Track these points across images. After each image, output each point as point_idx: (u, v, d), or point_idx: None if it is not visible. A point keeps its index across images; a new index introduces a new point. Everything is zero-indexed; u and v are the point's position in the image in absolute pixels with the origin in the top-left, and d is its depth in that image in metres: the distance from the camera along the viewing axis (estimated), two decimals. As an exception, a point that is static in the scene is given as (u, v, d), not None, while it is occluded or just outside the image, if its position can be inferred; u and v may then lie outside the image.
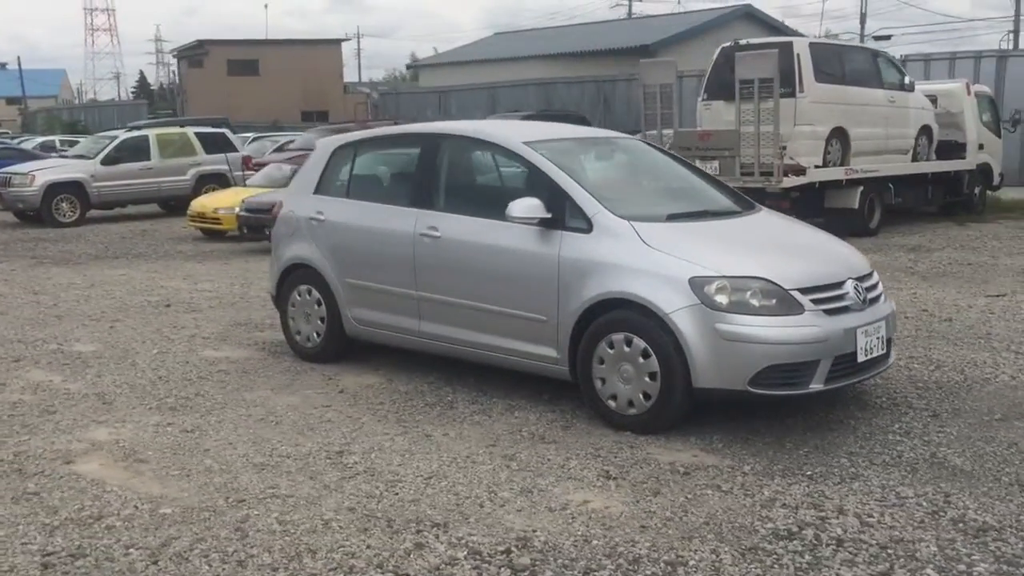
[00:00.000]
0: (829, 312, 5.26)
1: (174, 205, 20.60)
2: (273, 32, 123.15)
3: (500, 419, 5.71)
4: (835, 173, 13.63)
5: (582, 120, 26.80)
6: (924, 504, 4.38)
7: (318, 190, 7.15)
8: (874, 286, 5.70)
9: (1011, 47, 38.63)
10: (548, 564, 3.82)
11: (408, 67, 65.15)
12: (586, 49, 34.43)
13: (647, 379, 5.30)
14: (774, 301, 5.15)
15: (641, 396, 5.34)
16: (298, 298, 7.18)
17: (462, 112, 30.41)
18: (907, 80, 15.26)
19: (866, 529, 4.12)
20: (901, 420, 5.59)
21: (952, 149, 16.43)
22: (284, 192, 7.59)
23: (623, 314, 5.39)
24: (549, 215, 5.68)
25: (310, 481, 4.75)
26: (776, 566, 3.79)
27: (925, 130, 15.62)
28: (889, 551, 3.91)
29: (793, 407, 5.64)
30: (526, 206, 5.68)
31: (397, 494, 4.57)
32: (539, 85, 30.37)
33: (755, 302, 5.14)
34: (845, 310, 5.33)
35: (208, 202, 16.01)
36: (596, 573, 3.74)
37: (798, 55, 13.20)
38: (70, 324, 8.71)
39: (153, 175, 19.59)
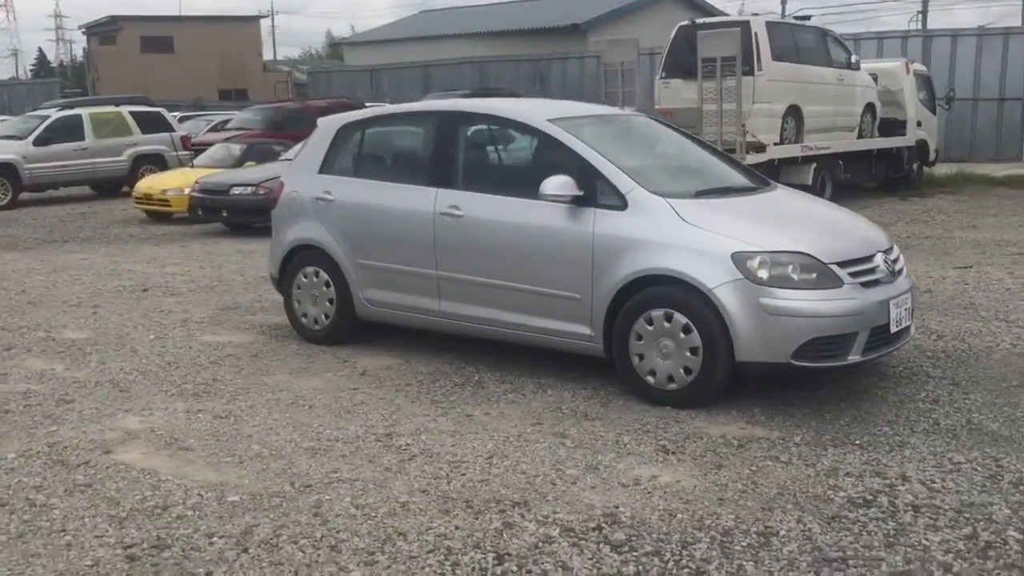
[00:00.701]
0: (865, 285, 5.38)
1: (106, 187, 20.01)
2: (185, 9, 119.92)
3: (535, 398, 5.71)
4: (793, 150, 13.92)
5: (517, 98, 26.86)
6: (979, 469, 4.53)
7: (323, 169, 7.01)
8: (897, 259, 5.84)
9: (920, 27, 39.70)
10: (644, 539, 3.85)
11: (332, 45, 64.14)
12: (516, 28, 34.38)
13: (688, 354, 5.35)
14: (814, 275, 5.24)
15: (682, 371, 5.39)
16: (304, 280, 7.05)
17: (395, 91, 30.08)
18: (854, 59, 15.63)
19: (935, 495, 4.24)
20: (925, 388, 5.76)
21: (893, 126, 16.91)
22: (284, 172, 7.41)
23: (663, 290, 5.42)
24: (581, 193, 5.68)
25: (370, 464, 4.69)
26: (864, 533, 3.88)
27: (869, 108, 16.05)
28: (965, 515, 4.03)
29: (818, 378, 5.76)
30: (559, 183, 5.66)
31: (464, 474, 4.54)
32: (474, 64, 30.23)
33: (796, 276, 5.22)
34: (877, 283, 5.46)
35: (155, 183, 15.58)
36: (694, 546, 3.78)
37: (755, 34, 13.39)
38: (48, 311, 8.40)
39: (88, 156, 18.99)
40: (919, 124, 17.38)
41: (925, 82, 18.03)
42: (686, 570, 3.59)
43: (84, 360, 6.72)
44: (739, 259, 5.23)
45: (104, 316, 8.14)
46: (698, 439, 4.97)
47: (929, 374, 6.07)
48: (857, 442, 4.90)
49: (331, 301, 6.92)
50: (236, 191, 13.52)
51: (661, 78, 14.38)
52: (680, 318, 5.36)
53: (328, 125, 7.18)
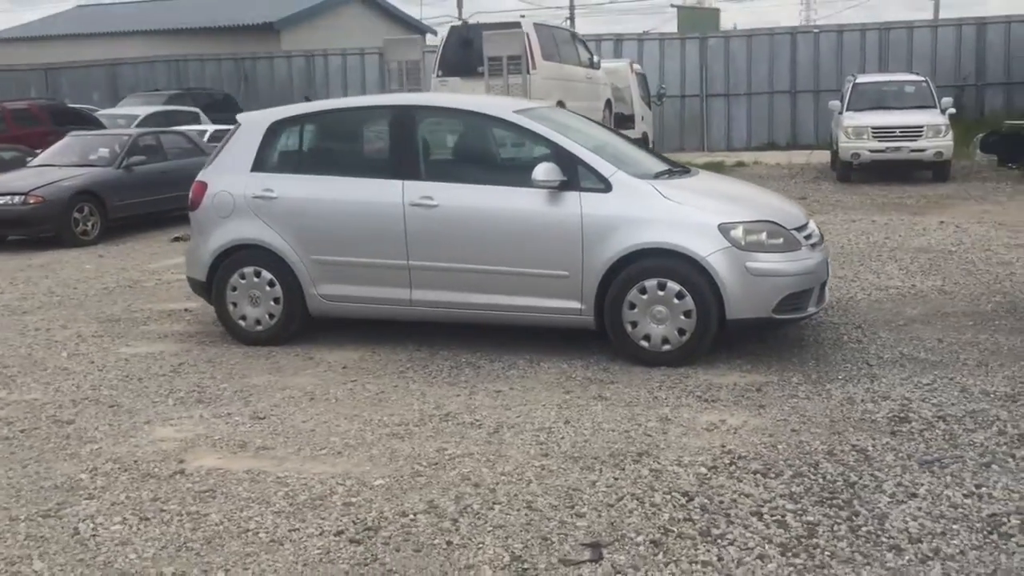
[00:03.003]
0: (812, 247, 6.33)
1: None
2: None
3: (538, 371, 6.11)
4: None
5: (227, 99, 26.10)
6: (947, 386, 5.59)
7: (257, 167, 6.89)
8: (810, 225, 6.89)
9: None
10: (777, 467, 4.46)
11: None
12: (205, 25, 33.08)
13: (683, 317, 6.02)
14: (781, 240, 6.11)
15: (677, 333, 6.05)
16: (241, 281, 6.89)
17: (76, 93, 27.96)
18: (595, 59, 17.06)
19: (941, 408, 5.22)
20: (841, 332, 6.85)
21: (622, 120, 18.60)
22: (203, 173, 7.13)
23: (656, 262, 6.05)
24: (565, 178, 6.15)
25: (466, 441, 4.91)
26: (926, 441, 4.75)
27: (608, 104, 17.57)
28: (978, 419, 5.03)
29: (759, 334, 6.60)
30: (547, 170, 6.10)
31: (563, 438, 4.90)
32: (169, 62, 28.81)
33: (768, 242, 6.06)
34: (815, 245, 6.44)
35: None
36: (821, 466, 4.45)
37: (528, 35, 14.28)
38: None
39: None
40: (642, 118, 19.26)
41: (642, 80, 19.98)
42: (838, 483, 4.25)
43: (19, 384, 6.16)
44: (724, 229, 5.98)
45: (-24, 339, 7.36)
46: (719, 388, 5.66)
47: (832, 321, 7.18)
48: (841, 377, 5.83)
49: (276, 300, 6.83)
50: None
51: (438, 76, 14.88)
52: (674, 286, 6.01)
53: (253, 123, 7.05)
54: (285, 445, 4.91)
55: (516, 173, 6.47)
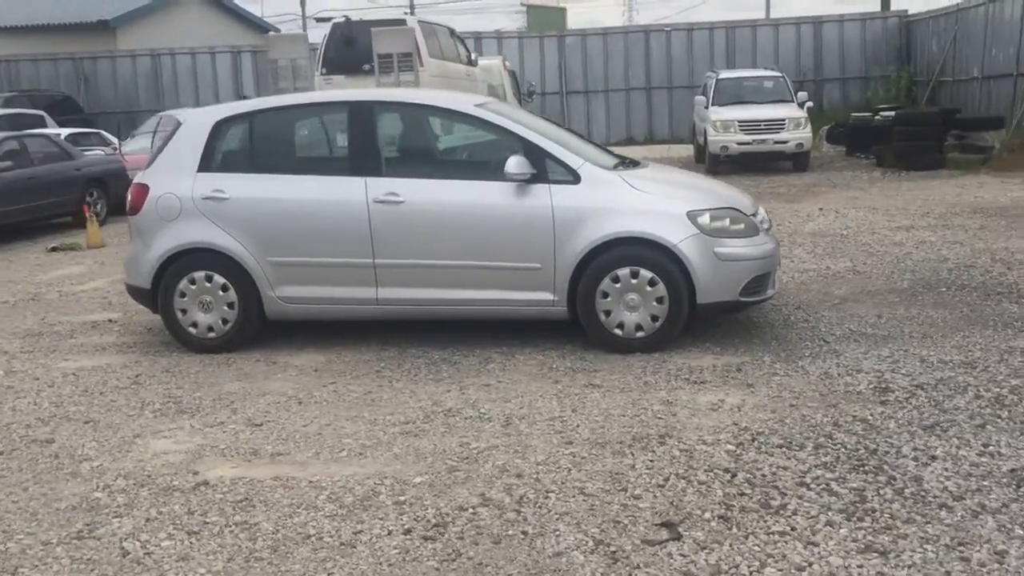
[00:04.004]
0: (766, 232, 6.62)
1: None
2: None
3: (517, 363, 6.14)
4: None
5: (68, 100, 24.80)
6: (907, 358, 5.96)
7: (204, 168, 6.63)
8: (756, 213, 7.19)
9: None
10: (796, 440, 4.66)
11: None
12: (33, 23, 31.22)
13: (655, 304, 6.19)
14: (743, 226, 6.36)
15: (650, 319, 6.21)
16: (191, 287, 6.61)
17: None
18: (473, 56, 17.14)
19: (912, 377, 5.56)
20: (785, 313, 7.19)
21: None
22: (142, 174, 6.78)
23: (628, 250, 6.18)
24: (535, 171, 6.21)
25: (483, 434, 4.90)
26: (915, 408, 5.06)
27: (484, 100, 17.67)
28: (950, 385, 5.39)
29: (714, 317, 6.84)
30: (518, 163, 6.15)
31: (579, 426, 4.97)
32: (-1, 63, 27.08)
33: (733, 227, 6.30)
34: (767, 231, 6.73)
35: None
36: (835, 436, 4.68)
37: (414, 32, 14.22)
38: None
39: None
40: (513, 114, 19.47)
41: (513, 77, 20.18)
42: (860, 451, 4.49)
43: (-32, 403, 5.72)
44: (692, 216, 6.18)
45: None
46: (701, 370, 5.85)
47: (773, 303, 7.49)
48: (808, 354, 6.12)
49: (230, 305, 6.59)
50: None
51: (322, 74, 14.60)
52: (646, 273, 6.16)
53: (197, 122, 6.78)
54: (299, 450, 4.77)
55: (481, 167, 6.49)
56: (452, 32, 16.73)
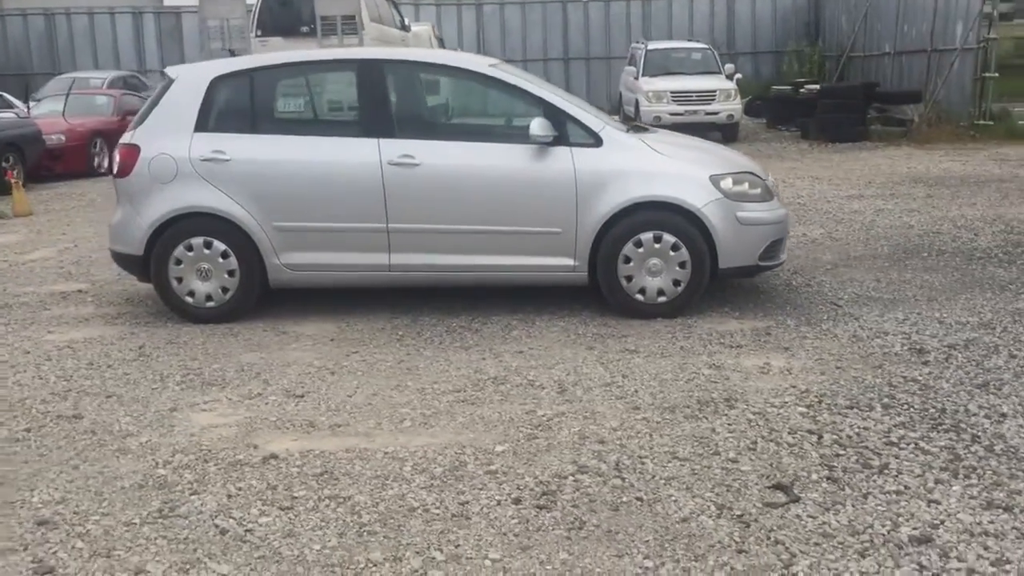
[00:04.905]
0: (778, 198, 6.63)
1: None
2: None
3: (543, 331, 6.01)
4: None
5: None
6: (927, 320, 6.07)
7: (201, 127, 6.25)
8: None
9: None
10: (864, 401, 4.68)
11: None
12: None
13: (678, 268, 6.13)
14: (759, 190, 6.36)
15: (672, 284, 6.15)
16: (188, 254, 6.25)
17: None
18: (406, 22, 16.78)
19: (941, 338, 5.66)
20: (783, 277, 7.24)
21: (425, 85, 18.46)
22: (133, 134, 6.34)
23: (651, 214, 6.10)
24: (557, 133, 6.07)
25: (544, 401, 4.78)
26: (951, 367, 5.15)
27: (416, 67, 17.37)
28: (980, 346, 5.50)
29: (720, 283, 6.83)
30: (541, 125, 5.99)
31: (637, 392, 4.88)
32: None
33: (751, 192, 6.29)
34: (776, 197, 6.75)
35: None
36: (895, 396, 4.72)
37: (356, -5, 13.83)
38: None
39: None
40: (442, 83, 19.20)
41: (441, 44, 19.86)
42: (929, 410, 4.52)
43: (-36, 379, 5.29)
44: (715, 180, 6.14)
45: None
46: (731, 335, 5.84)
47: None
48: (826, 318, 6.17)
49: (231, 273, 6.26)
50: None
51: (257, 36, 14.05)
52: (669, 238, 6.10)
53: (192, 78, 6.38)
54: (356, 421, 4.55)
55: (499, 129, 6.30)
56: (387, -2, 16.37)
